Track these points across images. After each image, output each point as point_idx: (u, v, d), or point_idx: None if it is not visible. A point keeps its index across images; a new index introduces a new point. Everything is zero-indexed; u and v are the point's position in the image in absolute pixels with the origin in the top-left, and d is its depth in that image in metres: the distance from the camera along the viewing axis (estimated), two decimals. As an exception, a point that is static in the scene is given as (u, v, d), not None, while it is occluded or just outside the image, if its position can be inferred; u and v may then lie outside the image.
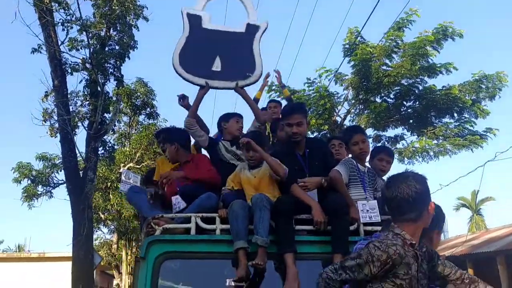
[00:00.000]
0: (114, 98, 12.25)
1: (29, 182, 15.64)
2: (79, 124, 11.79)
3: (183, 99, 4.55)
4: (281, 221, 3.13)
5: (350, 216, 3.22)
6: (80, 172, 11.23)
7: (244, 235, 3.04)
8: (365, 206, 3.37)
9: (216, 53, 4.27)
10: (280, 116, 3.95)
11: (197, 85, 4.17)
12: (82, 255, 10.36)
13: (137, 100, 16.01)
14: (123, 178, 12.91)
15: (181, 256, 3.11)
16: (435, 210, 2.79)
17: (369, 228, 3.22)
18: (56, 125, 11.79)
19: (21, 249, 34.90)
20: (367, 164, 3.79)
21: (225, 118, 4.28)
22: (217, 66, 4.20)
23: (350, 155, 3.90)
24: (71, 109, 11.43)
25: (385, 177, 3.81)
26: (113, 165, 15.95)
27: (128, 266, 20.97)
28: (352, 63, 14.02)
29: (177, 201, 3.43)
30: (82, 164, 11.82)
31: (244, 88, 4.25)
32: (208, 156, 4.07)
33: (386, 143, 16.15)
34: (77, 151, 11.10)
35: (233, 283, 3.02)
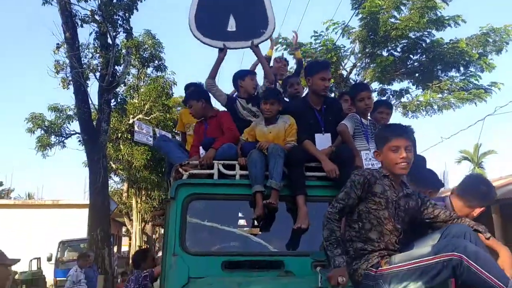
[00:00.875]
0: (124, 51, 12.41)
1: (42, 132, 16.09)
2: (90, 76, 12.05)
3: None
4: (293, 168, 3.52)
5: (355, 164, 3.61)
6: (93, 123, 11.63)
7: (261, 180, 3.43)
8: (368, 155, 3.76)
9: (229, 12, 4.40)
10: (306, 71, 4.10)
11: (215, 48, 4.38)
12: (99, 202, 10.95)
13: (145, 52, 16.11)
14: (136, 128, 13.43)
15: (205, 197, 3.52)
16: (428, 173, 3.23)
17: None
18: (69, 76, 12.08)
19: (31, 197, 35.88)
20: (369, 117, 4.14)
21: (241, 76, 4.46)
22: (231, 25, 4.36)
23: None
24: (82, 62, 11.66)
25: None
26: (125, 116, 16.34)
27: (138, 213, 21.88)
28: (360, 16, 13.94)
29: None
30: (94, 115, 12.20)
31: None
32: None
33: (391, 97, 16.33)
34: (90, 103, 11.43)
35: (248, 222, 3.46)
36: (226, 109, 4.39)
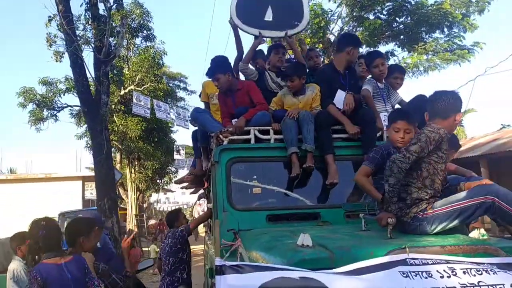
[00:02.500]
0: (118, 22, 12.39)
1: (34, 106, 16.06)
2: (84, 48, 12.04)
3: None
4: (322, 130, 3.93)
5: (376, 125, 4.05)
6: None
7: (296, 143, 3.85)
8: (386, 117, 4.19)
9: (268, 4, 4.77)
10: (338, 45, 4.55)
11: (252, 34, 4.77)
12: (104, 173, 11.19)
13: (133, 22, 16.00)
14: (134, 100, 13.57)
15: (245, 160, 3.93)
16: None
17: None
18: (61, 49, 12.06)
19: (13, 172, 35.41)
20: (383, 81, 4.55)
21: (269, 50, 4.86)
22: (268, 16, 4.73)
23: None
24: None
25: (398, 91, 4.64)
26: (117, 88, 16.37)
27: (132, 183, 22.20)
28: (347, -21, 14.08)
29: None
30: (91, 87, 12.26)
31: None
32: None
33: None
34: (88, 75, 11.49)
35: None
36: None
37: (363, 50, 16.84)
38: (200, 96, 5.74)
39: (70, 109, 17.25)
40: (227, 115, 4.46)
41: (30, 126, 15.91)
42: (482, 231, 2.68)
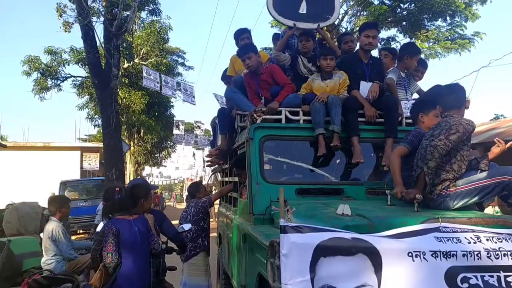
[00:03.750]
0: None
1: (39, 75, 16.15)
2: (94, 20, 12.16)
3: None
4: (349, 114, 4.29)
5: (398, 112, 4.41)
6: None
7: (323, 124, 4.20)
8: (406, 104, 4.56)
9: None
10: (358, 29, 4.83)
11: (287, 26, 5.13)
12: (112, 144, 11.52)
13: (139, -5, 16.00)
14: (144, 74, 13.75)
15: (276, 138, 4.27)
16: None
17: (409, 120, 4.41)
18: (73, 21, 12.17)
19: (4, 139, 35.23)
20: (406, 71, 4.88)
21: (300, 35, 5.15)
22: (303, 8, 5.04)
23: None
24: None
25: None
26: (126, 60, 16.49)
27: (131, 156, 22.49)
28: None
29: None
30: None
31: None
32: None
33: (378, 44, 17.01)
34: (99, 46, 11.65)
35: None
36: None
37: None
38: (225, 71, 6.05)
39: (73, 80, 17.35)
40: (255, 95, 4.78)
41: (34, 95, 16.03)
42: (497, 208, 3.08)
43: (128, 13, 14.17)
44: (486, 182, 3.00)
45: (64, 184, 17.29)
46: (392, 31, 16.67)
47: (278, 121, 4.33)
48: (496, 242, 2.38)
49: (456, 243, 2.35)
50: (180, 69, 25.34)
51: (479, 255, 2.32)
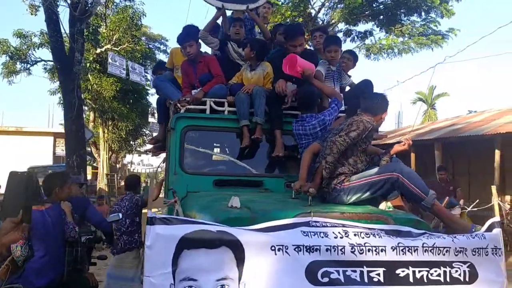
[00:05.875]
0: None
1: (7, 58, 15.85)
2: (59, 3, 11.91)
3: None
4: (273, 107, 4.26)
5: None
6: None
7: (247, 116, 4.17)
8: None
9: None
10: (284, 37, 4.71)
11: (215, 6, 5.09)
12: (74, 130, 11.35)
13: (113, -21, 15.73)
14: (110, 60, 13.57)
15: (199, 128, 4.24)
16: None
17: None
18: (37, 3, 11.92)
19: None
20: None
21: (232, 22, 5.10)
22: None
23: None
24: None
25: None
26: (92, 46, 16.22)
27: (105, 142, 22.27)
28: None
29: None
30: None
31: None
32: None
33: (355, 37, 17.07)
34: (63, 31, 11.44)
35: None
36: (219, 52, 4.99)
37: (343, 27, 17.21)
38: (156, 64, 5.99)
39: (44, 64, 17.06)
40: (188, 85, 4.73)
41: (2, 79, 15.73)
42: (389, 204, 3.10)
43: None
44: (375, 178, 3.01)
45: (32, 169, 17.08)
46: (369, 25, 16.70)
47: (204, 112, 4.29)
48: (363, 238, 2.38)
49: (322, 237, 2.35)
50: (162, 56, 25.12)
51: (343, 250, 2.32)
